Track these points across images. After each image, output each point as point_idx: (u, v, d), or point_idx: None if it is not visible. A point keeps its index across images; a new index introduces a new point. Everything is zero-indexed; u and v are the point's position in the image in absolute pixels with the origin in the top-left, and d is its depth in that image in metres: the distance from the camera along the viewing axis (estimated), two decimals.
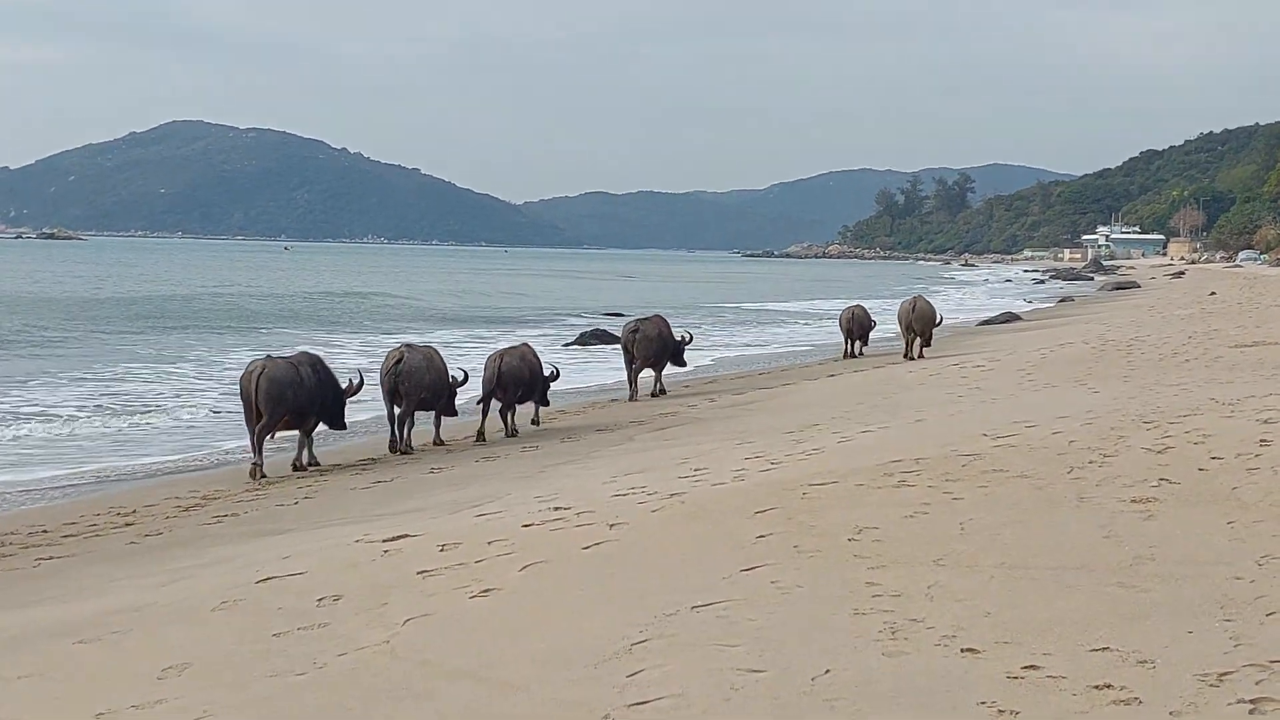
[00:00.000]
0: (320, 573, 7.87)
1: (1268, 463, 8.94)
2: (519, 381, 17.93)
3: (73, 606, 7.93)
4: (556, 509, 9.28)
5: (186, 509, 12.58)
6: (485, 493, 11.64)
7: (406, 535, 8.81)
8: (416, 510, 10.96)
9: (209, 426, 19.63)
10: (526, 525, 8.70)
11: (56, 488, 14.47)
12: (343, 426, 16.53)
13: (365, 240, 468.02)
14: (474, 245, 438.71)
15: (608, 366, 27.79)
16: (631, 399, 21.92)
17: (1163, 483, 8.56)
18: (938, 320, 29.38)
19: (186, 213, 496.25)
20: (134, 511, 12.44)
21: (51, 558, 10.32)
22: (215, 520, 11.81)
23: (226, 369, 27.83)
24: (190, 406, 21.81)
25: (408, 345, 17.44)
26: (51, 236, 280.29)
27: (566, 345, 35.97)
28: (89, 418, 20.07)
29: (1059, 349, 23.82)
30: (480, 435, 17.33)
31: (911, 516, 7.99)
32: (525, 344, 19.70)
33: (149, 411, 21.01)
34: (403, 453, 16.21)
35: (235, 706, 5.45)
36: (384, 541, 8.63)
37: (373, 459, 15.89)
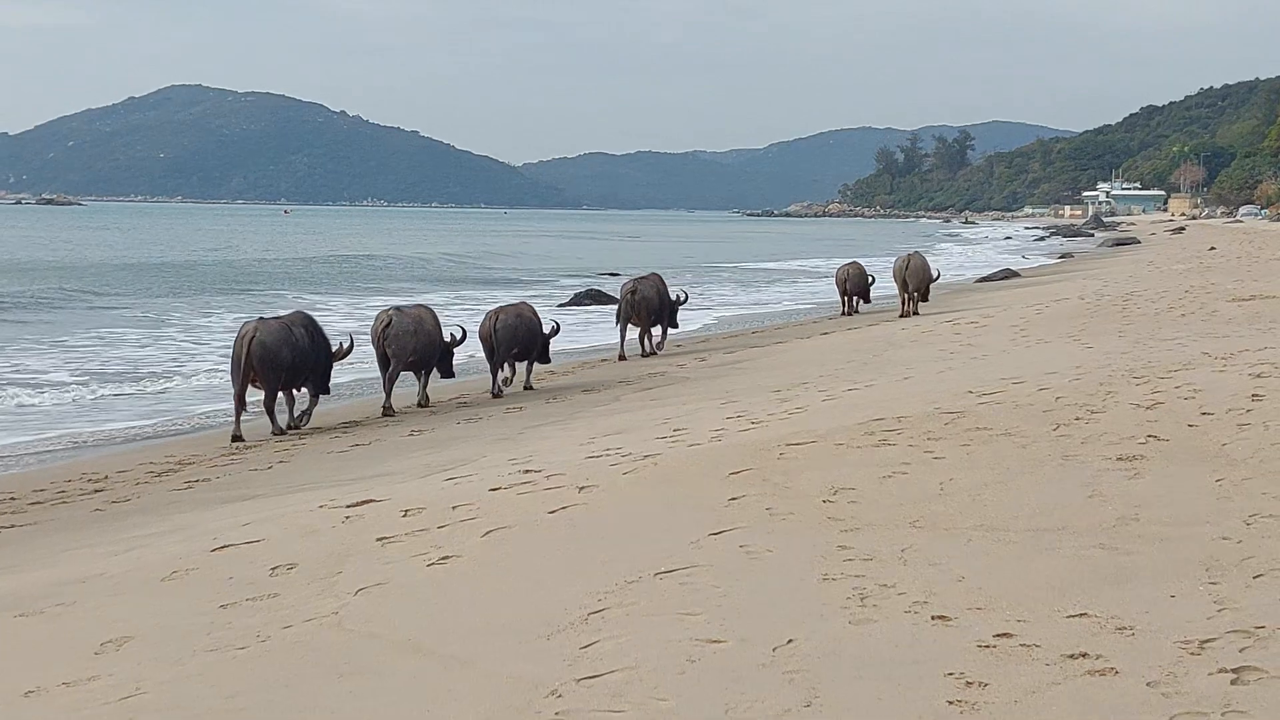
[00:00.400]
0: (278, 540, 7.59)
1: (1259, 418, 8.66)
2: (514, 339, 17.79)
3: (23, 577, 7.66)
4: (526, 472, 9.01)
5: (159, 475, 12.29)
6: (461, 456, 11.37)
7: (371, 500, 8.52)
8: (388, 474, 10.68)
9: (190, 391, 19.36)
10: (494, 489, 8.43)
11: (30, 453, 14.22)
12: (326, 391, 16.25)
13: (365, 203, 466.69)
14: (473, 207, 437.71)
15: (602, 327, 27.50)
16: (621, 358, 21.69)
17: (1150, 440, 8.29)
18: (934, 276, 29.10)
19: (185, 177, 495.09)
20: (105, 478, 12.17)
21: (13, 526, 10.04)
22: (186, 486, 11.52)
23: (216, 333, 27.62)
24: (178, 371, 21.53)
25: (396, 308, 17.14)
26: (51, 202, 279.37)
27: (561, 305, 35.62)
28: (70, 383, 19.78)
29: (1054, 304, 23.51)
30: (519, 384, 17.86)
31: (890, 477, 7.73)
32: (523, 302, 19.60)
33: (135, 377, 20.72)
34: (385, 413, 15.97)
35: (169, 683, 5.18)
36: (347, 507, 8.34)
37: (355, 422, 15.63)
